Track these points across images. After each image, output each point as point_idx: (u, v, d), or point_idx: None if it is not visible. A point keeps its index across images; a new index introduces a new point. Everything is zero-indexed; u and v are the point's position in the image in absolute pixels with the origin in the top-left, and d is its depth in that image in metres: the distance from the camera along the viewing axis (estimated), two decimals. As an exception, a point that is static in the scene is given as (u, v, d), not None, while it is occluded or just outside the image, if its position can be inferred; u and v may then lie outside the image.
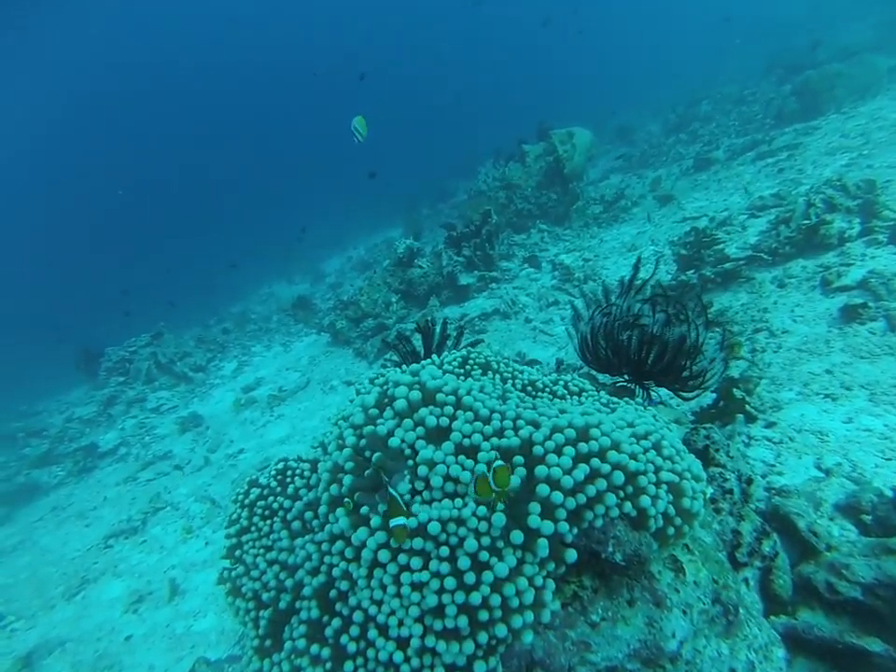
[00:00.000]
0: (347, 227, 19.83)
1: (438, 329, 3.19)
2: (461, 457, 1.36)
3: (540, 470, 1.26)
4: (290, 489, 1.83)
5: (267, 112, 49.94)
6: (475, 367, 2.15)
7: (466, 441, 1.38)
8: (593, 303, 2.38)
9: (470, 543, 1.23)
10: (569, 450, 1.27)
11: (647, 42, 34.75)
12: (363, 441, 1.47)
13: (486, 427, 1.39)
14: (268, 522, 1.80)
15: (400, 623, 1.22)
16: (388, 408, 1.51)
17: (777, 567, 1.94)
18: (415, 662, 1.21)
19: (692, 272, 4.87)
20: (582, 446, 1.29)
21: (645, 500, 1.32)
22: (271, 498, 1.86)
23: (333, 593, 1.38)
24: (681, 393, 2.25)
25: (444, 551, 1.23)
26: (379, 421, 1.50)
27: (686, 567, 1.52)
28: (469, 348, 2.22)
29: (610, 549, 1.29)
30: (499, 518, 1.25)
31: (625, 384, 2.37)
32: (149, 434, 8.87)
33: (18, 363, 15.87)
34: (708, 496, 1.77)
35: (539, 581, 1.24)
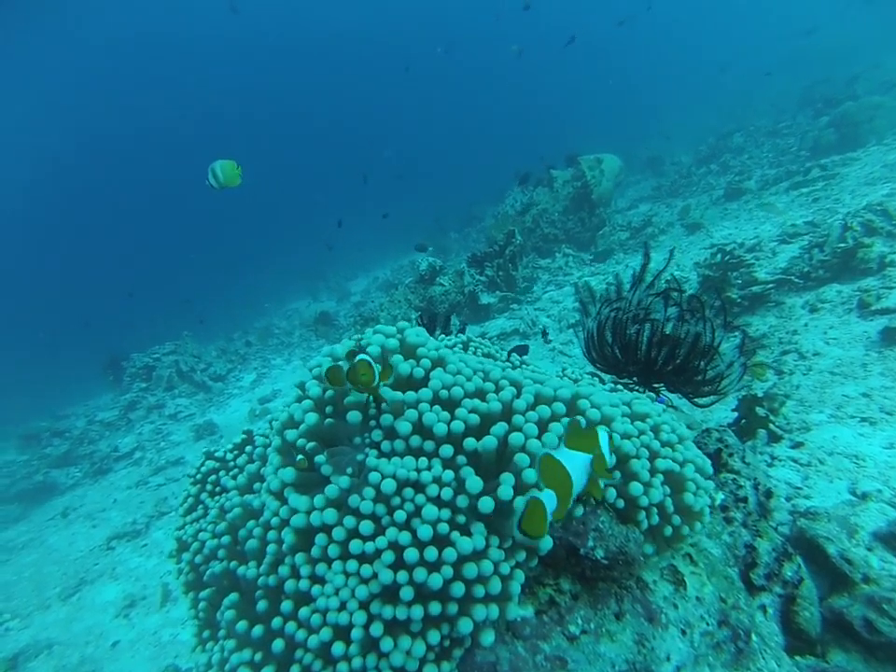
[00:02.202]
0: (376, 250, 20.20)
1: (440, 322, 3.07)
2: (436, 407, 1.19)
3: (516, 438, 1.09)
4: (243, 459, 1.70)
5: (300, 133, 51.62)
6: (475, 350, 2.01)
7: (444, 393, 1.22)
8: (601, 299, 2.23)
9: (429, 510, 1.05)
10: (555, 426, 1.11)
11: (679, 74, 35.03)
12: (328, 394, 1.32)
13: (468, 383, 1.23)
14: (215, 499, 1.66)
15: (342, 607, 1.04)
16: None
17: (801, 595, 1.69)
18: (357, 663, 1.03)
19: (717, 294, 4.64)
20: (568, 420, 1.13)
21: (635, 488, 1.14)
22: (222, 472, 1.73)
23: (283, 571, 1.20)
24: (695, 399, 2.04)
25: (401, 515, 1.06)
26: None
27: (688, 580, 1.31)
28: (472, 336, 2.10)
29: (591, 543, 1.10)
30: (474, 483, 1.07)
31: (633, 385, 2.18)
32: (165, 440, 8.94)
33: (61, 367, 16.37)
34: (718, 501, 1.56)
35: (505, 568, 1.05)
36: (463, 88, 50.14)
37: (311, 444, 1.22)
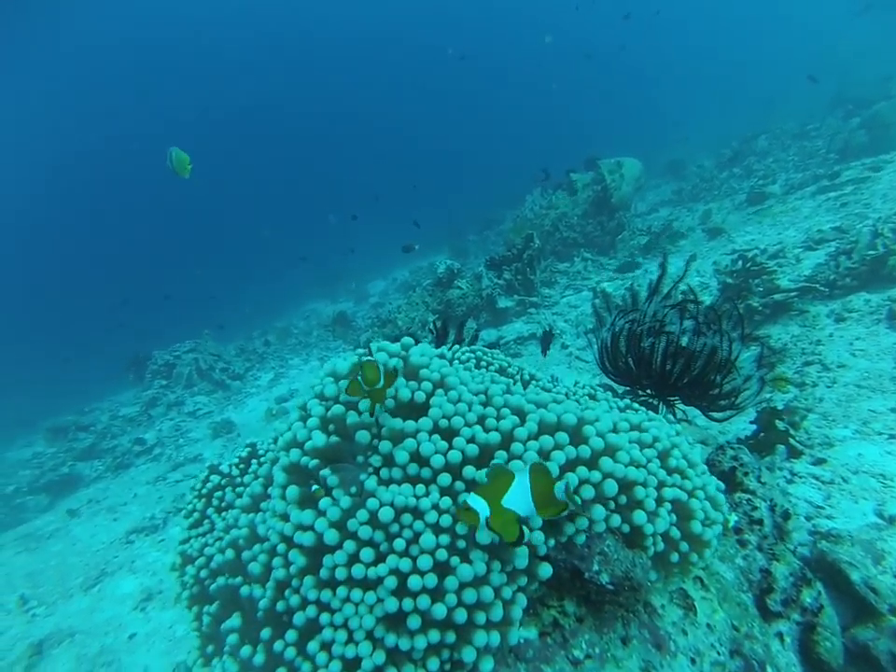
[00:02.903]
0: (394, 251, 20.26)
1: (454, 331, 3.06)
2: (435, 437, 1.18)
3: (515, 467, 1.08)
4: (249, 477, 1.71)
5: (319, 136, 51.98)
6: (486, 366, 1.99)
7: (444, 423, 1.21)
8: (616, 308, 2.19)
9: (427, 539, 1.04)
10: (557, 455, 1.09)
11: (702, 77, 34.42)
12: (332, 412, 1.32)
13: (469, 413, 1.21)
14: (222, 515, 1.67)
15: (349, 640, 1.04)
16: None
17: (821, 624, 1.62)
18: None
19: (737, 302, 4.53)
20: (570, 450, 1.10)
21: (639, 516, 1.11)
22: (229, 489, 1.74)
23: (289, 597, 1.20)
24: (711, 413, 1.99)
25: (399, 544, 1.05)
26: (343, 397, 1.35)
27: (698, 606, 1.27)
28: (484, 348, 2.08)
29: (595, 567, 1.07)
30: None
31: (647, 398, 2.13)
32: (183, 437, 9.11)
33: (88, 363, 16.78)
34: (732, 523, 1.51)
35: (507, 593, 1.04)
36: (485, 90, 50.11)
37: (314, 462, 1.22)
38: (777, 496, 1.67)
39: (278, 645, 1.11)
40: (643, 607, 1.20)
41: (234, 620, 1.24)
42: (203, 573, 1.46)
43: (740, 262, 4.85)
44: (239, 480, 1.78)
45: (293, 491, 1.20)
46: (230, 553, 1.37)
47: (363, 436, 1.22)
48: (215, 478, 1.81)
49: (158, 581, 5.34)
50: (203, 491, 1.77)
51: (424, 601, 1.00)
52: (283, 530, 1.17)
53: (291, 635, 1.10)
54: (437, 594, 1.02)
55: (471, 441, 1.15)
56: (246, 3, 45.00)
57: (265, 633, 1.15)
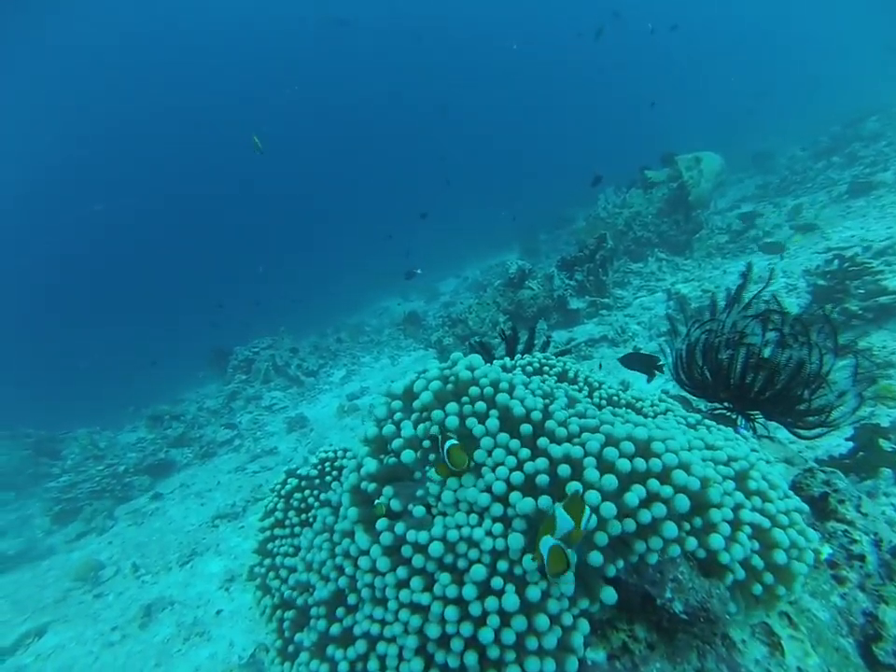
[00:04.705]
0: (466, 250, 20.39)
1: (525, 337, 3.04)
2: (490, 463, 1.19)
3: (573, 487, 1.07)
4: (328, 479, 1.80)
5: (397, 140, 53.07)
6: (550, 374, 1.98)
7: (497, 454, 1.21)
8: (692, 317, 2.08)
9: (478, 570, 1.07)
10: (623, 463, 1.06)
11: (796, 58, 31.54)
12: (385, 431, 1.37)
13: (513, 441, 1.22)
14: (302, 516, 1.78)
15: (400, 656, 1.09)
16: (414, 399, 1.39)
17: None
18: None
19: (831, 305, 4.12)
20: (639, 462, 1.07)
21: (716, 540, 1.05)
22: (307, 491, 1.85)
23: (351, 598, 1.28)
24: (797, 430, 1.84)
25: (445, 577, 1.09)
26: (398, 416, 1.41)
27: (786, 645, 1.18)
28: (547, 354, 2.06)
29: (668, 594, 1.03)
30: (516, 539, 1.07)
31: (724, 411, 2.01)
32: (261, 430, 9.74)
33: (182, 355, 18.24)
34: (825, 556, 1.39)
35: (567, 619, 1.03)
36: (562, 86, 49.05)
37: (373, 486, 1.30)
38: (884, 529, 1.50)
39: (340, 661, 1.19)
40: (721, 639, 1.14)
41: (304, 635, 1.34)
42: (285, 588, 1.59)
43: (836, 262, 4.41)
44: (318, 482, 1.89)
45: (353, 512, 1.28)
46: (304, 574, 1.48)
47: (409, 455, 1.28)
48: (292, 481, 1.94)
49: (239, 564, 5.79)
50: (283, 492, 1.90)
51: (467, 628, 1.04)
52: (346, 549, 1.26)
53: (353, 652, 1.17)
54: (482, 621, 1.05)
55: (517, 469, 1.18)
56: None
57: (330, 650, 1.23)
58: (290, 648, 1.52)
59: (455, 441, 1.21)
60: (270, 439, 9.28)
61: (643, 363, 2.85)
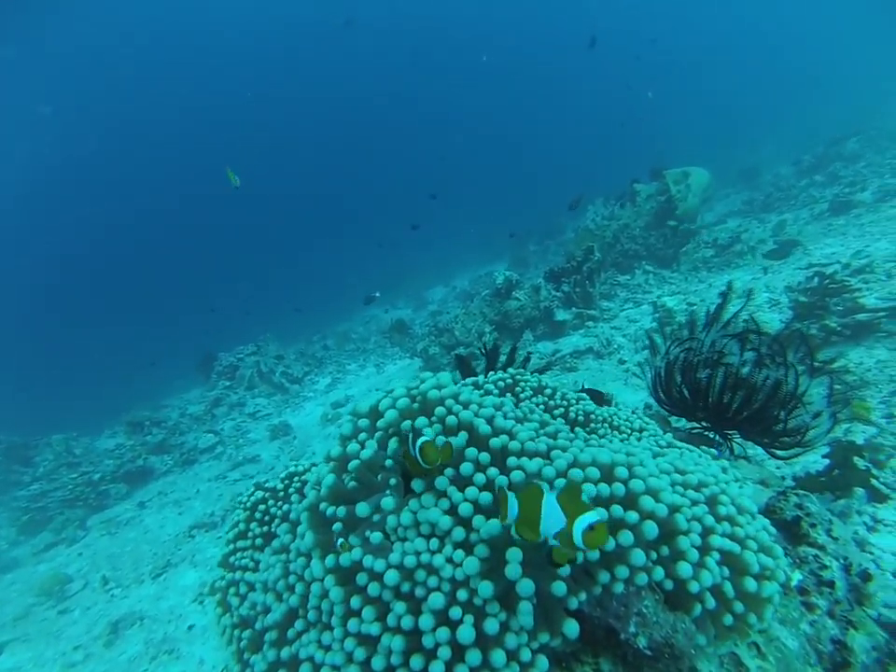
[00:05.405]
0: (455, 259, 20.45)
1: (506, 352, 3.01)
2: (452, 489, 1.15)
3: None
4: (293, 492, 1.75)
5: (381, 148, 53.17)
6: (525, 389, 1.94)
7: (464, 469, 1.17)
8: (672, 335, 2.06)
9: (436, 599, 1.02)
10: (588, 487, 1.03)
11: (785, 79, 32.30)
12: (350, 449, 1.33)
13: (482, 454, 1.18)
14: (264, 528, 1.72)
15: None
16: (379, 418, 1.35)
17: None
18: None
19: (811, 322, 4.16)
20: (604, 487, 1.03)
21: (684, 569, 1.01)
22: (272, 502, 1.79)
23: (299, 624, 1.22)
24: (773, 450, 1.82)
25: (400, 607, 1.04)
26: (361, 436, 1.36)
27: (753, 674, 1.15)
28: (522, 370, 2.03)
29: (632, 629, 0.99)
30: (472, 563, 1.02)
31: (702, 431, 1.99)
32: (243, 437, 9.58)
33: (169, 360, 17.94)
34: (795, 582, 1.36)
35: (525, 655, 0.98)
36: (557, 98, 49.62)
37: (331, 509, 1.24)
38: (854, 553, 1.47)
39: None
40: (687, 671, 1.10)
41: (259, 657, 1.28)
42: (243, 608, 1.52)
43: (816, 279, 4.46)
44: (282, 494, 1.85)
45: (310, 537, 1.22)
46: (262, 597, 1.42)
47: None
48: (259, 494, 1.89)
49: (214, 576, 5.65)
50: (248, 504, 1.85)
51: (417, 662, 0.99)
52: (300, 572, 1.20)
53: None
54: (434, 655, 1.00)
55: (486, 488, 1.13)
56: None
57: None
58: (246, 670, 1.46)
59: (428, 438, 1.17)
60: (252, 446, 9.13)
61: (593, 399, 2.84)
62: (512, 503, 0.97)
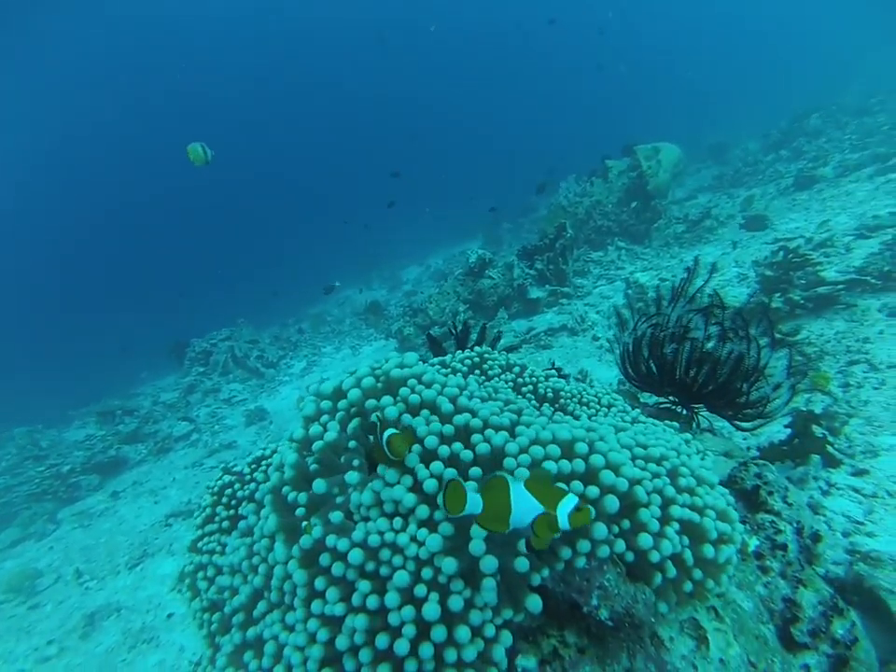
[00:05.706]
0: (429, 238, 20.27)
1: (476, 332, 3.00)
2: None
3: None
4: (259, 476, 1.73)
5: (356, 126, 52.15)
6: (493, 368, 1.94)
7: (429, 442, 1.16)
8: (640, 311, 2.08)
9: (401, 577, 1.01)
10: (549, 465, 1.03)
11: (754, 54, 32.54)
12: (312, 431, 1.31)
13: (446, 426, 1.17)
14: (230, 511, 1.70)
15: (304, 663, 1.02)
16: (342, 399, 1.34)
17: (855, 658, 1.49)
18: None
19: (777, 295, 4.27)
20: (564, 464, 1.04)
21: (645, 540, 1.03)
22: (238, 486, 1.77)
23: (261, 605, 1.22)
24: (738, 422, 1.87)
25: (365, 585, 1.03)
26: (324, 418, 1.34)
27: (711, 638, 1.19)
28: (489, 349, 2.02)
29: (594, 602, 1.01)
30: (434, 540, 1.02)
31: (670, 405, 2.03)
32: (219, 423, 9.43)
33: (136, 348, 17.43)
34: (752, 547, 1.41)
35: (489, 630, 0.99)
36: (528, 75, 49.00)
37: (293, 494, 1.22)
38: (806, 517, 1.54)
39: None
40: (650, 638, 1.14)
41: (226, 639, 1.26)
42: (211, 591, 1.50)
43: (781, 253, 4.56)
44: (249, 478, 1.83)
45: (273, 520, 1.20)
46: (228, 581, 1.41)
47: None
48: (226, 478, 1.86)
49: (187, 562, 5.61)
50: (215, 489, 1.84)
51: (383, 640, 0.99)
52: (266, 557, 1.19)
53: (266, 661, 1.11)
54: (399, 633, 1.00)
55: (453, 460, 1.11)
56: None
57: (247, 656, 1.16)
58: (217, 655, 1.45)
59: (396, 431, 1.15)
60: (229, 432, 9.00)
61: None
62: (474, 500, 0.96)
